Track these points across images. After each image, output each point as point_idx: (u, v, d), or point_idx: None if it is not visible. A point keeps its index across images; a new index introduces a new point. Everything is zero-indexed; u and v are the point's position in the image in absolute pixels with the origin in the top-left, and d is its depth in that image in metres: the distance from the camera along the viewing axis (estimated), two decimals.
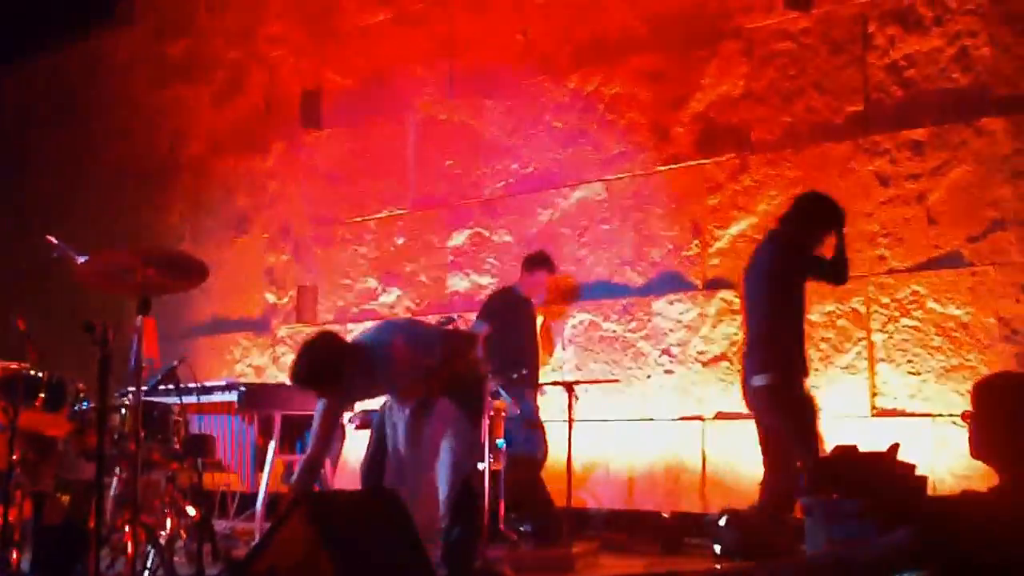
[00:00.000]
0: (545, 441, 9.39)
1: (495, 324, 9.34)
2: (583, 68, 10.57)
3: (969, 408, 4.06)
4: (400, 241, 11.73)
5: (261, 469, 9.04)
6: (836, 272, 7.81)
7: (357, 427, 9.10)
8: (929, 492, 7.99)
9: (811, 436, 7.48)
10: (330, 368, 6.92)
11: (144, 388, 7.49)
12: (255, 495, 9.04)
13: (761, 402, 7.64)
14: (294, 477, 7.25)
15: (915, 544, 3.92)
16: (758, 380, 7.58)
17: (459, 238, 11.27)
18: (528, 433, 9.23)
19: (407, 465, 7.06)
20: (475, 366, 7.39)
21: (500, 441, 8.93)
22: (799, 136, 9.27)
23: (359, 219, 12.08)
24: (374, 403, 7.87)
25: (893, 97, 8.85)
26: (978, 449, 4.04)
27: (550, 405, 9.90)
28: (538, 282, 9.75)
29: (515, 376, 9.13)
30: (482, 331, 9.13)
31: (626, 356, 9.99)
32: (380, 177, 11.98)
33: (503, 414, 9.23)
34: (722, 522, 8.38)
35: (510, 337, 9.38)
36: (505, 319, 9.44)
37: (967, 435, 4.07)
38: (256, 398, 9.10)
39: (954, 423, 8.22)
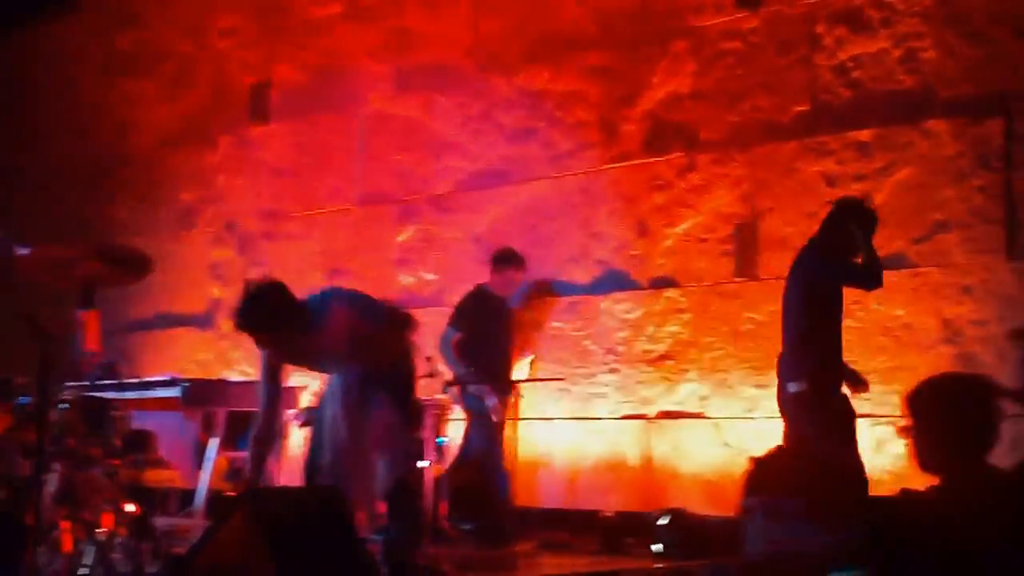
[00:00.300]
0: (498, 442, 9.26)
1: (467, 327, 9.22)
2: (533, 65, 10.56)
3: (904, 421, 4.06)
4: (347, 236, 11.68)
5: (202, 466, 8.98)
6: (870, 276, 7.67)
7: (301, 425, 9.05)
8: (869, 492, 8.03)
9: (839, 444, 7.40)
10: (273, 314, 6.77)
11: (85, 383, 7.45)
12: (196, 492, 8.97)
13: (791, 409, 7.59)
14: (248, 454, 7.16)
15: (855, 543, 3.94)
16: (792, 387, 7.55)
17: (407, 234, 11.24)
18: (490, 433, 9.12)
19: (343, 450, 6.98)
20: (411, 354, 7.30)
21: (441, 439, 8.93)
22: (746, 135, 9.29)
23: (307, 214, 12.03)
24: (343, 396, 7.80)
25: (840, 98, 8.88)
26: (923, 461, 4.04)
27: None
28: (508, 280, 9.57)
29: (463, 373, 9.13)
30: (453, 338, 9.08)
31: (571, 354, 9.98)
32: (328, 172, 11.92)
33: (446, 413, 9.23)
34: (663, 521, 8.41)
35: (485, 340, 9.24)
36: (477, 321, 9.31)
37: (909, 450, 4.06)
38: (200, 394, 9.01)
39: (894, 424, 8.26)
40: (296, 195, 12.14)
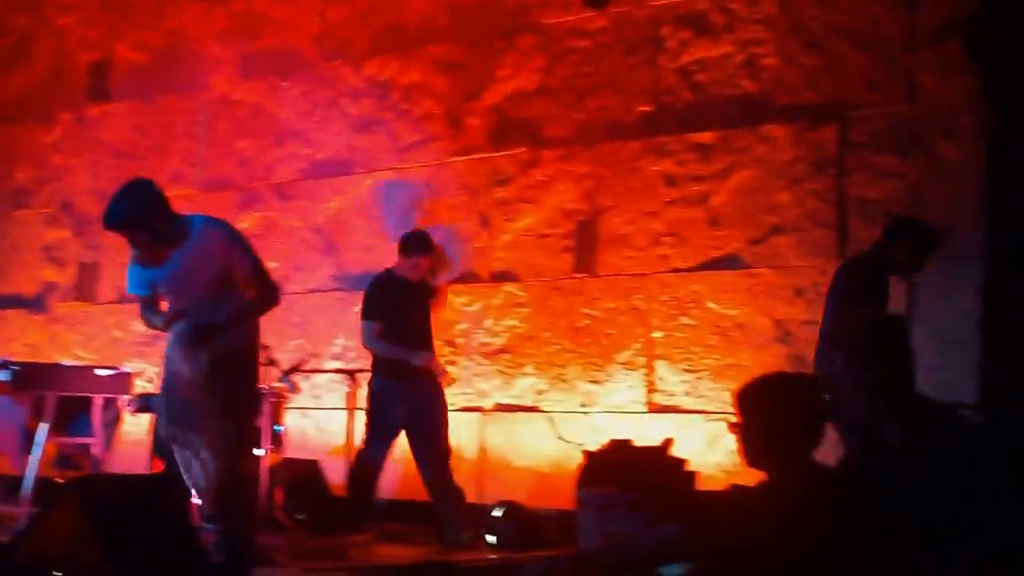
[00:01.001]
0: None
1: (380, 317, 8.87)
2: (380, 55, 10.53)
3: (734, 417, 4.15)
4: None
5: (30, 452, 8.81)
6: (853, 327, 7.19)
7: (134, 412, 8.95)
8: (700, 487, 8.19)
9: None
10: (141, 205, 6.69)
11: None
12: (24, 479, 8.79)
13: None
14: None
15: (684, 537, 4.01)
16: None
17: (248, 221, 11.13)
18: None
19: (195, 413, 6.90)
20: (256, 341, 7.23)
21: (279, 427, 8.88)
22: (591, 133, 9.39)
23: None
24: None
25: (682, 100, 9.02)
26: (750, 458, 4.13)
27: (331, 394, 9.89)
28: (415, 264, 8.93)
29: (301, 363, 9.09)
30: (376, 328, 8.74)
31: None
32: (170, 155, 11.76)
33: (284, 401, 9.17)
34: (497, 513, 8.46)
35: (400, 325, 8.89)
36: (389, 308, 8.97)
37: (737, 446, 4.15)
38: (29, 378, 8.82)
39: (726, 420, 8.40)
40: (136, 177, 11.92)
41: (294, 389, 8.86)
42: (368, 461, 8.64)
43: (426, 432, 8.58)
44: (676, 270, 8.87)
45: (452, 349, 9.76)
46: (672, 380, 8.75)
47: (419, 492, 9.40)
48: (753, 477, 4.08)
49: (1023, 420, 6.38)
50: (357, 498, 8.72)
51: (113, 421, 9.64)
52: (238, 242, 6.99)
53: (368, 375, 8.77)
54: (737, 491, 4.13)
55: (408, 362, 8.51)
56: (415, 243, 8.95)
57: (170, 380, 6.99)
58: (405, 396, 8.53)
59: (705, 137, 8.87)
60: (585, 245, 9.27)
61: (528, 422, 9.34)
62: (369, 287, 8.99)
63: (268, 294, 7.04)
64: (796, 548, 3.86)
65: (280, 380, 8.81)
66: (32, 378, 8.84)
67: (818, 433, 4.09)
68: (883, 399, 4.93)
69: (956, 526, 4.44)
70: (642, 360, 8.92)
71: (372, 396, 8.68)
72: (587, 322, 9.20)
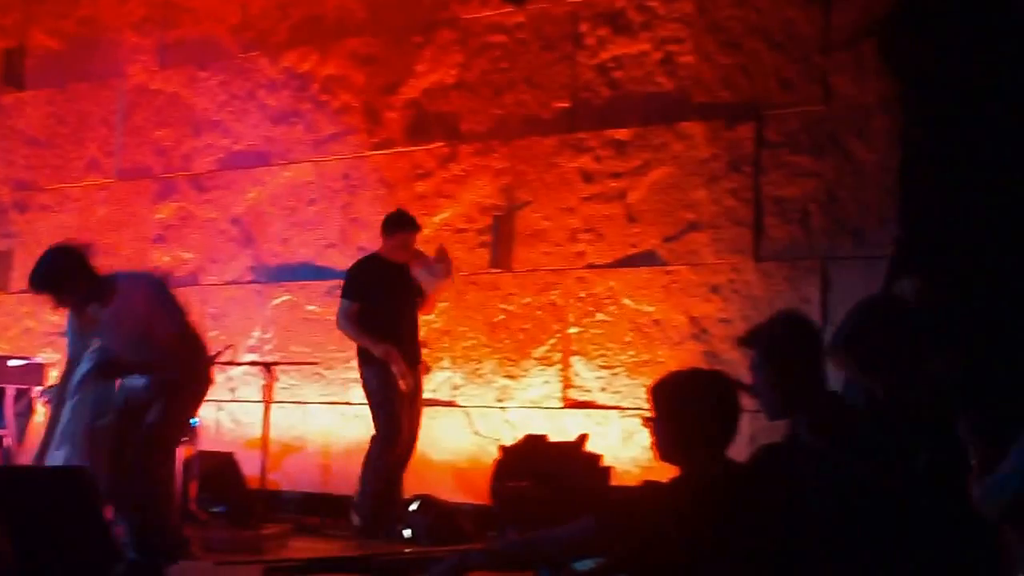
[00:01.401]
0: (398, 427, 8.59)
1: (364, 297, 8.67)
2: (299, 47, 10.50)
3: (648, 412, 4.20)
4: (104, 211, 11.45)
5: None
6: None
7: (47, 403, 8.86)
8: (615, 482, 8.25)
9: None
10: (55, 275, 6.90)
11: None
12: None
13: None
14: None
15: (595, 531, 4.05)
16: None
17: (165, 211, 11.08)
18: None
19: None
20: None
21: (194, 420, 8.83)
22: (508, 128, 9.42)
23: (62, 186, 11.75)
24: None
25: (600, 96, 9.06)
26: (661, 452, 4.17)
27: (247, 386, 9.87)
28: (401, 243, 8.66)
29: (217, 355, 9.04)
30: (351, 308, 8.57)
31: (327, 339, 9.97)
32: (86, 144, 11.66)
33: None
34: (414, 507, 8.48)
35: (385, 309, 8.59)
36: (373, 290, 8.60)
37: (651, 440, 4.20)
38: None
39: (641, 416, 8.48)
40: (51, 166, 11.83)
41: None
42: (389, 452, 8.49)
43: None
44: (593, 266, 8.92)
45: None
46: (588, 376, 8.80)
47: (337, 485, 9.42)
48: (668, 473, 4.13)
49: (935, 417, 6.47)
50: (387, 498, 8.54)
51: (25, 412, 9.56)
52: (160, 301, 7.08)
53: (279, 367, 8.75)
54: (648, 486, 4.17)
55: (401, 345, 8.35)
56: (397, 221, 8.69)
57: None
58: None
59: (622, 134, 8.92)
60: (502, 240, 9.29)
61: (445, 416, 9.35)
62: (352, 267, 8.83)
63: (192, 361, 7.06)
64: (702, 542, 3.91)
65: None
66: None
67: (731, 429, 4.13)
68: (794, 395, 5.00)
69: (864, 521, 4.50)
70: (558, 356, 8.96)
71: (375, 382, 8.50)
72: (503, 317, 9.23)
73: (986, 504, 4.43)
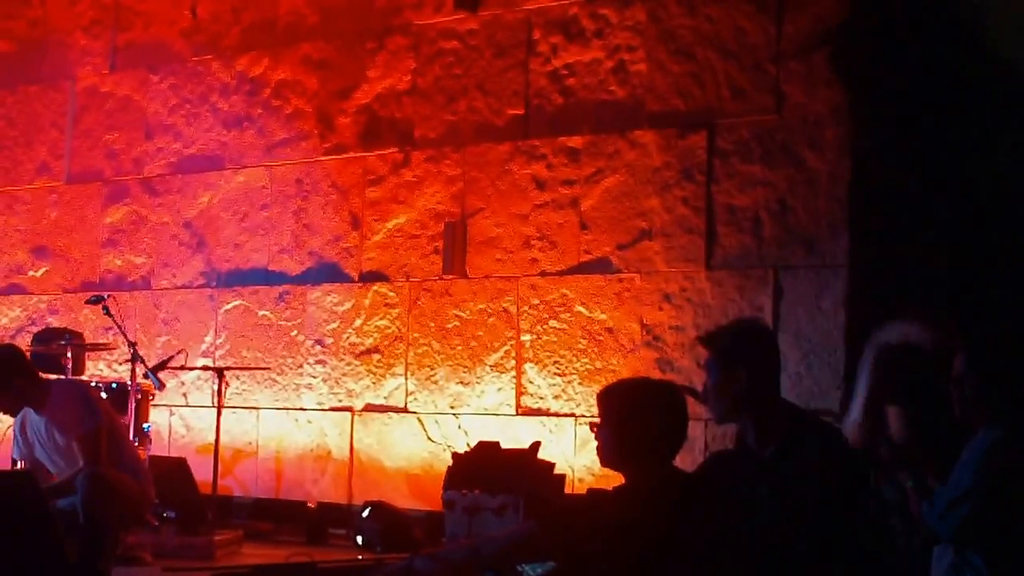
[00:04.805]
0: None
1: None
2: (251, 51, 10.47)
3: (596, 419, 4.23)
4: (54, 214, 11.38)
5: None
6: None
7: None
8: (568, 489, 8.28)
9: None
10: (6, 368, 7.11)
11: None
12: None
13: None
14: None
15: (538, 536, 4.08)
16: None
17: (116, 215, 11.02)
18: None
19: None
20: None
21: (146, 425, 8.82)
22: (461, 135, 9.42)
23: (11, 189, 11.67)
24: None
25: (553, 104, 9.08)
26: (606, 458, 4.21)
27: (198, 391, 9.84)
28: None
29: (169, 360, 9.02)
30: None
31: (279, 345, 9.97)
32: (36, 147, 11.59)
33: (151, 397, 9.11)
34: (365, 514, 8.49)
35: None
36: None
37: (596, 446, 4.23)
38: None
39: (590, 422, 8.50)
40: (1, 169, 11.75)
41: (161, 386, 8.80)
42: None
43: None
44: (545, 273, 8.94)
45: (322, 348, 9.76)
46: (541, 383, 8.82)
47: (289, 491, 9.42)
48: (619, 481, 4.16)
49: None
50: None
51: None
52: (84, 407, 7.19)
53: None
54: (592, 493, 4.20)
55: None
56: None
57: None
58: None
59: (575, 141, 8.94)
60: (454, 246, 9.29)
61: (398, 423, 9.36)
62: None
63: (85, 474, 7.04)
64: (642, 549, 3.94)
65: (146, 377, 8.74)
66: None
67: (678, 439, 4.16)
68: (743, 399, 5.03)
69: (823, 532, 4.55)
70: (511, 363, 8.98)
71: None
72: (456, 324, 9.24)
73: (935, 526, 4.49)
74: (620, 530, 3.97)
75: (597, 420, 4.21)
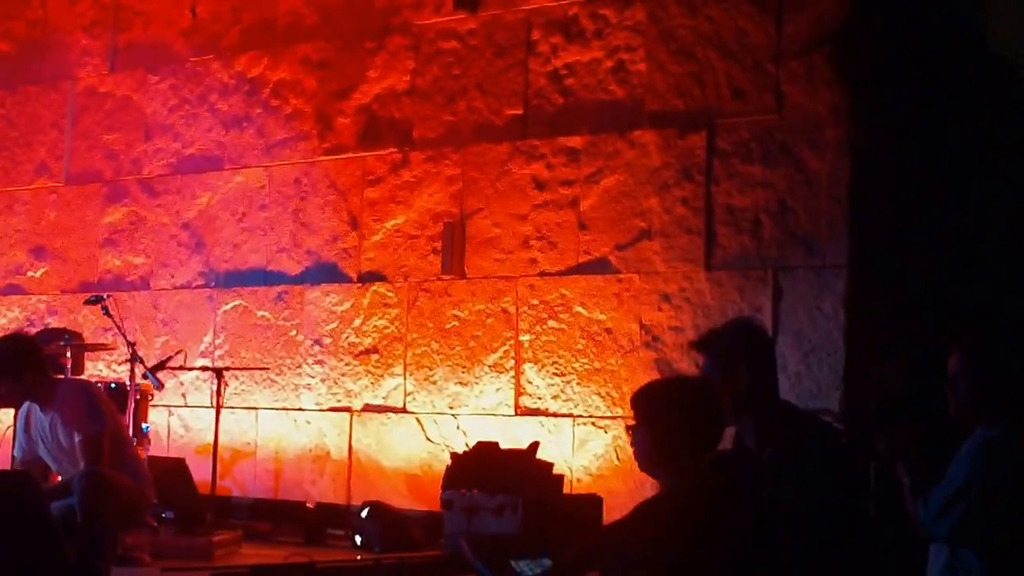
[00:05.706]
0: None
1: None
2: (250, 51, 10.47)
3: (631, 420, 4.18)
4: (54, 215, 11.38)
5: None
6: None
7: None
8: (567, 490, 8.28)
9: None
10: (14, 359, 7.04)
11: None
12: None
13: None
14: None
15: (544, 536, 4.06)
16: None
17: (115, 215, 11.02)
18: None
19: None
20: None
21: (145, 426, 8.81)
22: (460, 135, 9.41)
23: (10, 189, 11.67)
24: None
25: (552, 103, 9.07)
26: (641, 459, 4.17)
27: (197, 391, 9.83)
28: None
29: (168, 360, 9.03)
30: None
31: (278, 345, 9.96)
32: (36, 147, 11.59)
33: (149, 398, 9.11)
34: (364, 514, 8.48)
35: None
36: None
37: (633, 449, 4.19)
38: None
39: (593, 424, 8.51)
40: (0, 170, 11.75)
41: (159, 387, 8.79)
42: None
43: None
44: (544, 273, 8.93)
45: (321, 349, 9.75)
46: (540, 383, 8.81)
47: (288, 491, 9.42)
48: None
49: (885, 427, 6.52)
50: None
51: None
52: (90, 408, 7.14)
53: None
54: (638, 507, 4.12)
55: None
56: None
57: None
58: None
59: (575, 141, 8.93)
60: (453, 246, 9.29)
61: (397, 423, 9.36)
62: None
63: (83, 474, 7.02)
64: (687, 555, 3.91)
65: (145, 377, 8.74)
66: None
67: (712, 440, 4.14)
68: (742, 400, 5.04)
69: (822, 533, 4.55)
70: (510, 363, 8.97)
71: None
72: (455, 324, 9.23)
73: (929, 526, 4.48)
74: (667, 536, 3.93)
75: (631, 423, 4.17)
